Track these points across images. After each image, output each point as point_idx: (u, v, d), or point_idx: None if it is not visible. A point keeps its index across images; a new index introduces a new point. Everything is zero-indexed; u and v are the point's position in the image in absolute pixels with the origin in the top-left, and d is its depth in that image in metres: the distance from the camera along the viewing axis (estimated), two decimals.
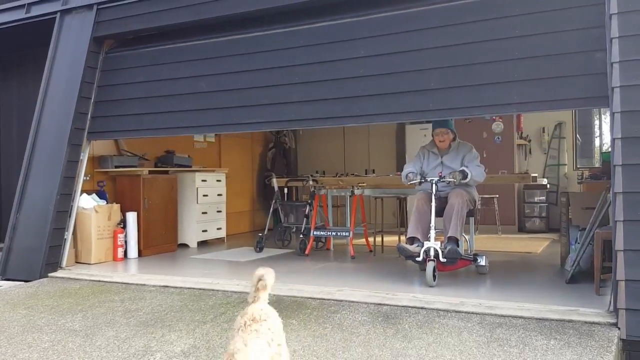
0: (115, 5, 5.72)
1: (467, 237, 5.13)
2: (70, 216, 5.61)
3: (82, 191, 5.80)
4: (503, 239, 7.55)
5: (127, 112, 5.71)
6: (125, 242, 6.10)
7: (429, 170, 4.98)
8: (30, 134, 5.74)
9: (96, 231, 5.79)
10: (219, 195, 7.51)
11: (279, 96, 4.96)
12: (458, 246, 4.58)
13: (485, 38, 4.21)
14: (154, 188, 6.47)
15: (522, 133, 8.75)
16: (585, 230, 4.35)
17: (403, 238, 5.75)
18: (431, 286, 4.28)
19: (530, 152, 8.91)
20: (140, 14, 5.60)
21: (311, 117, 4.90)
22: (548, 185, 8.51)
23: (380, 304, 3.86)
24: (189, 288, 4.54)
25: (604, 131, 9.73)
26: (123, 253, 6.05)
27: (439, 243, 4.45)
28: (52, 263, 5.37)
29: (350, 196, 6.44)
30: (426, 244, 4.44)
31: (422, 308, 3.74)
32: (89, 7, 5.87)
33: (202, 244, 7.27)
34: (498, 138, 8.49)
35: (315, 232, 6.28)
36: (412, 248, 4.55)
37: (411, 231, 4.69)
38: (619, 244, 3.36)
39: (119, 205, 6.13)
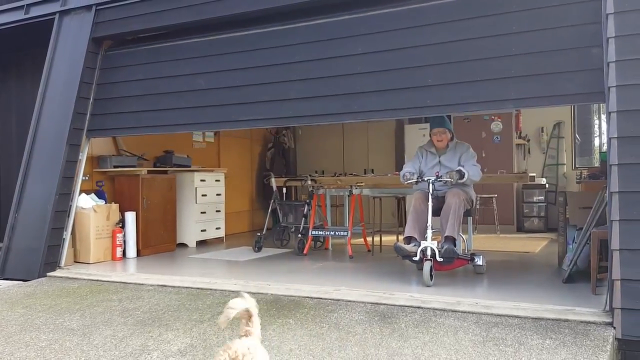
0: (114, 6, 5.74)
1: (464, 236, 5.12)
2: (69, 216, 5.63)
3: (81, 191, 5.81)
4: (501, 238, 7.56)
5: (125, 110, 5.73)
6: (124, 241, 6.11)
7: (426, 170, 5.00)
8: (29, 134, 5.76)
9: (95, 231, 5.81)
10: (217, 195, 7.52)
11: (277, 93, 4.97)
12: (455, 246, 4.58)
13: (483, 34, 4.24)
14: (153, 188, 6.48)
15: (520, 133, 8.76)
16: (582, 230, 4.36)
17: (401, 238, 5.76)
18: (428, 286, 4.28)
19: (529, 152, 8.92)
20: (139, 14, 5.62)
21: (309, 114, 4.92)
22: (547, 185, 8.51)
23: (377, 304, 3.87)
24: (186, 287, 4.55)
25: (604, 130, 9.74)
26: (122, 253, 6.07)
27: (435, 243, 4.45)
28: (50, 262, 5.39)
29: (348, 196, 6.45)
30: (423, 244, 4.45)
31: (418, 307, 3.75)
32: (88, 7, 5.88)
33: (201, 243, 7.29)
34: (497, 138, 8.50)
35: (313, 232, 6.29)
36: (409, 247, 4.56)
37: (408, 231, 4.70)
38: (615, 243, 3.37)
39: (117, 205, 6.15)
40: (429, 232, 4.47)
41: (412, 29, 4.52)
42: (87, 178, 6.10)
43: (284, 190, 7.11)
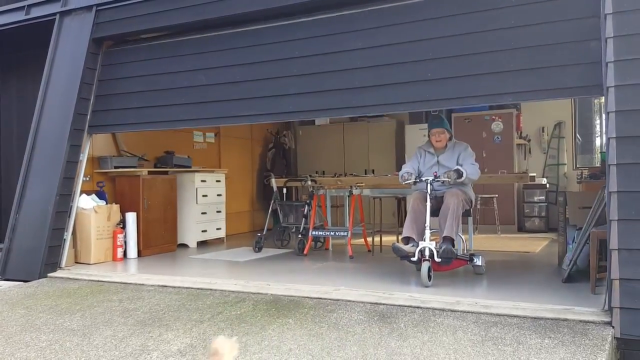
0: (114, 6, 5.75)
1: (463, 237, 5.10)
2: (69, 216, 5.64)
3: (82, 192, 5.82)
4: (502, 238, 7.56)
5: (127, 106, 5.76)
6: (125, 242, 6.12)
7: (425, 170, 4.98)
8: (29, 134, 5.78)
9: (95, 231, 5.82)
10: (218, 195, 7.53)
11: (277, 88, 5.00)
12: (453, 246, 4.56)
13: (482, 29, 4.25)
14: (154, 188, 6.49)
15: (521, 133, 8.75)
16: (582, 230, 4.37)
17: (400, 238, 5.75)
18: (426, 286, 4.27)
19: (529, 152, 8.92)
20: (139, 15, 5.63)
21: (309, 109, 4.95)
22: (547, 185, 8.51)
23: (376, 303, 3.88)
24: (187, 288, 4.56)
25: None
26: (122, 253, 6.08)
27: (434, 243, 4.43)
28: (51, 263, 5.40)
29: (348, 196, 6.46)
30: (421, 244, 4.42)
31: (418, 307, 3.76)
32: (88, 8, 5.90)
33: (202, 244, 7.30)
34: (497, 138, 8.50)
35: (313, 232, 6.30)
36: (407, 248, 4.54)
37: (406, 231, 4.68)
38: (614, 243, 3.37)
39: (118, 205, 6.16)
40: (427, 233, 4.45)
41: (411, 24, 4.54)
42: (87, 179, 6.12)
43: (285, 190, 7.11)
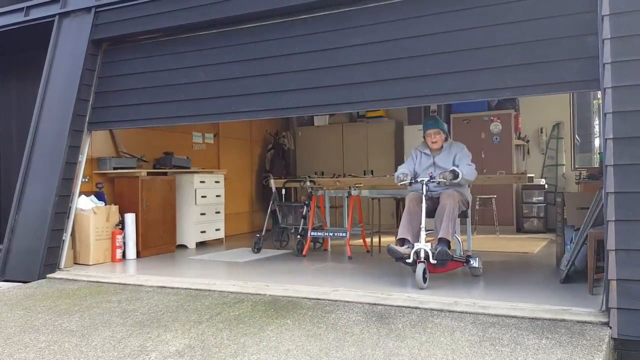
0: (113, 8, 5.76)
1: (459, 238, 5.07)
2: (68, 217, 5.65)
3: (81, 193, 5.83)
4: (501, 239, 7.57)
5: (126, 103, 5.78)
6: (124, 243, 6.13)
7: (421, 171, 4.94)
8: (29, 135, 5.78)
9: (94, 232, 5.83)
10: (217, 196, 7.54)
11: (276, 84, 5.02)
12: (449, 248, 4.50)
13: (480, 24, 4.28)
14: (153, 189, 6.50)
15: (520, 133, 8.77)
16: (580, 230, 4.38)
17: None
18: (422, 288, 4.23)
19: (528, 153, 8.94)
20: (138, 16, 5.64)
21: (309, 105, 4.96)
22: (546, 186, 8.52)
23: (374, 304, 3.89)
24: (185, 288, 4.57)
25: None
26: (121, 254, 6.09)
27: (429, 244, 4.39)
28: (50, 264, 5.41)
29: (347, 197, 6.47)
30: (416, 246, 4.37)
31: (416, 308, 3.76)
32: (87, 10, 5.91)
33: (201, 244, 7.31)
34: (496, 139, 8.52)
35: (312, 233, 6.31)
36: (402, 249, 4.48)
37: (401, 232, 4.62)
38: (611, 243, 3.38)
39: (117, 206, 6.17)
40: (423, 234, 4.40)
41: (410, 20, 4.56)
42: (86, 180, 6.13)
43: (284, 191, 7.13)
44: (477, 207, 8.22)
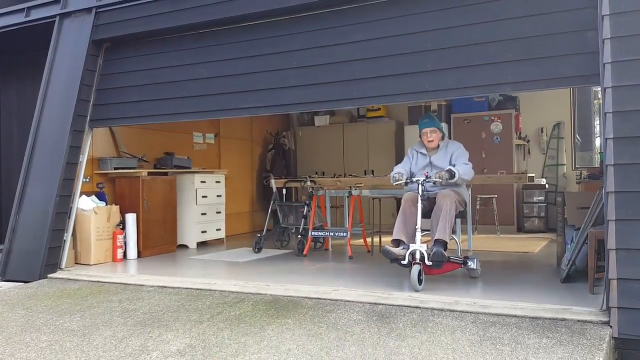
0: (114, 8, 5.77)
1: (457, 239, 4.98)
2: (69, 218, 5.65)
3: (82, 193, 5.84)
4: (501, 238, 7.58)
5: (127, 100, 5.79)
6: (125, 243, 6.14)
7: (417, 171, 4.84)
8: (30, 136, 5.79)
9: (95, 232, 5.83)
10: (218, 196, 7.54)
11: (277, 81, 5.04)
12: (446, 249, 4.39)
13: (480, 20, 4.29)
14: (153, 189, 6.50)
15: (520, 133, 8.77)
16: (580, 230, 4.38)
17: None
18: (417, 290, 4.12)
19: (529, 152, 8.94)
20: (138, 17, 5.65)
21: (309, 101, 4.98)
22: (547, 185, 8.53)
23: (375, 303, 3.89)
24: (186, 288, 4.58)
25: None
26: (122, 254, 6.10)
27: (425, 246, 4.28)
28: (51, 264, 5.42)
29: (347, 197, 6.47)
30: (412, 247, 4.27)
31: (416, 307, 3.77)
32: (88, 10, 5.91)
33: (202, 244, 7.31)
34: (497, 138, 8.52)
35: (313, 233, 6.31)
36: (397, 250, 4.37)
37: (396, 233, 4.51)
38: (611, 242, 3.38)
39: (118, 206, 6.18)
40: (418, 235, 4.30)
41: (410, 16, 4.57)
42: (87, 180, 6.13)
43: (284, 191, 7.13)
44: (477, 206, 8.23)
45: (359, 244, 6.71)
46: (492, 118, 8.53)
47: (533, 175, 6.67)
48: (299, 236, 6.38)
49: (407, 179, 4.68)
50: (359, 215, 6.59)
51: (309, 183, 6.77)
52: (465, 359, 2.90)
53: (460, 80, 4.31)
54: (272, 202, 7.04)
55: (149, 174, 6.59)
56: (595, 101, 9.77)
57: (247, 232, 8.96)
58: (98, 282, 5.01)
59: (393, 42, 4.59)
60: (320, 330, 3.39)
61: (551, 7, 4.03)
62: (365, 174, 8.31)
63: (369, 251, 6.44)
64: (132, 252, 6.21)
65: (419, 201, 4.44)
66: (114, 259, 6.02)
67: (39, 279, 5.23)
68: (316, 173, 8.96)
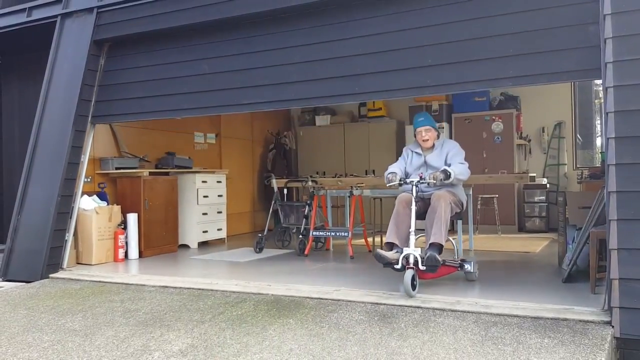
0: (115, 8, 5.78)
1: (453, 241, 4.88)
2: (71, 217, 5.66)
3: (83, 193, 5.84)
4: (503, 238, 7.57)
5: (130, 96, 5.80)
6: (126, 243, 6.14)
7: (412, 171, 4.69)
8: (31, 136, 5.80)
9: (97, 232, 5.84)
10: (219, 196, 7.55)
11: (279, 76, 5.04)
12: (440, 252, 4.23)
13: (481, 14, 4.29)
14: (155, 189, 6.51)
15: (521, 133, 8.76)
16: (582, 230, 4.38)
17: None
18: (411, 296, 3.93)
19: (530, 152, 8.93)
20: (140, 17, 5.65)
21: (311, 96, 4.99)
22: (548, 185, 8.52)
23: (377, 303, 3.89)
24: (188, 288, 4.58)
25: None
26: (124, 254, 6.10)
27: (419, 249, 4.10)
28: (53, 264, 5.42)
29: (349, 197, 6.47)
30: (405, 250, 4.10)
31: (418, 307, 3.77)
32: (89, 10, 5.92)
33: (203, 244, 7.32)
34: (498, 138, 8.51)
35: (314, 233, 6.32)
36: (390, 254, 4.19)
37: (389, 236, 4.35)
38: (613, 242, 3.38)
39: (119, 206, 6.18)
40: (412, 238, 4.13)
41: (411, 11, 4.58)
42: (89, 180, 6.14)
43: (285, 191, 7.13)
44: (478, 206, 8.22)
45: (360, 244, 6.71)
46: (493, 118, 8.53)
47: (534, 175, 6.67)
48: (300, 236, 6.38)
49: (400, 179, 4.52)
50: (360, 215, 6.59)
51: (310, 183, 6.77)
52: (467, 359, 2.90)
53: (461, 75, 4.32)
54: (273, 202, 7.04)
55: (151, 173, 6.59)
56: (597, 100, 9.77)
57: (248, 232, 8.97)
58: (100, 282, 5.02)
59: (394, 37, 4.60)
60: (322, 330, 3.39)
61: (552, 2, 4.03)
62: (366, 174, 8.31)
63: (370, 251, 6.44)
64: (134, 252, 6.21)
65: (413, 203, 4.28)
66: (116, 259, 6.02)
67: (41, 279, 5.24)
68: (317, 173, 8.96)
